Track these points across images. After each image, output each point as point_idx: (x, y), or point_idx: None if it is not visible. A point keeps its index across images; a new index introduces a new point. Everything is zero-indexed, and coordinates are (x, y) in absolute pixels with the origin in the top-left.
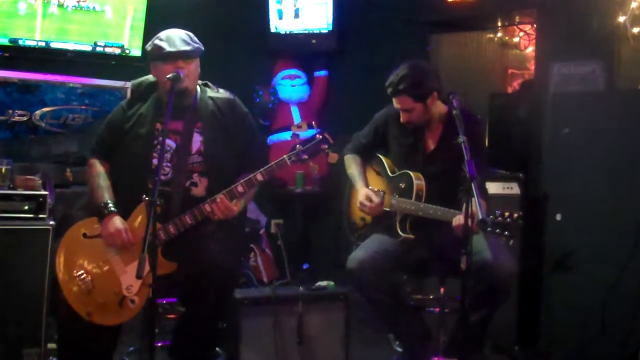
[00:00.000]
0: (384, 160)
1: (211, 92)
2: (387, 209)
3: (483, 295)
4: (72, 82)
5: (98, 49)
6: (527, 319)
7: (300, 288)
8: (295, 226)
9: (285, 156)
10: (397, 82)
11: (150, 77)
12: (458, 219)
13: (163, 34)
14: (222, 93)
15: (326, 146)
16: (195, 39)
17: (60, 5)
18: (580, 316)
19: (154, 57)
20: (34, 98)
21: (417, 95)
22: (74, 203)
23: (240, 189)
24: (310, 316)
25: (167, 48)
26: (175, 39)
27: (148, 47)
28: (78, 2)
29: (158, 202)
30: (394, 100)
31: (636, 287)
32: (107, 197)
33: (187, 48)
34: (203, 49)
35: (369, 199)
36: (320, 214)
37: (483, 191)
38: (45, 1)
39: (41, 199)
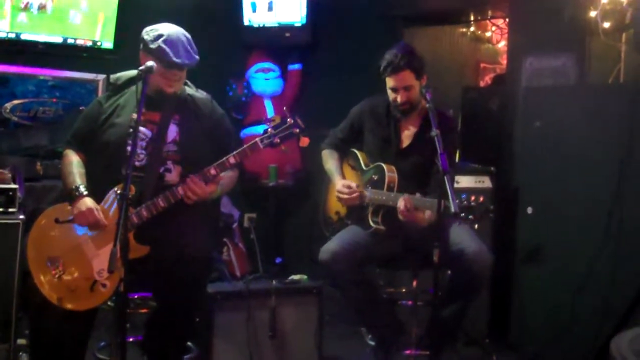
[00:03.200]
0: (358, 155)
1: (190, 90)
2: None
3: (459, 286)
4: (43, 75)
5: (69, 41)
6: (498, 312)
7: (273, 282)
8: (268, 220)
9: (257, 139)
10: (400, 59)
11: (130, 72)
12: (400, 201)
13: (166, 32)
14: (200, 93)
15: (297, 130)
16: (194, 45)
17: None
18: (551, 308)
19: (152, 54)
20: (3, 90)
21: (418, 71)
22: (45, 197)
23: (212, 171)
24: (283, 310)
25: (173, 58)
26: (179, 46)
27: (151, 43)
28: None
29: (130, 195)
30: (392, 80)
31: (606, 279)
32: (79, 182)
33: (190, 62)
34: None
35: (347, 187)
36: (294, 207)
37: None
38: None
39: (11, 193)
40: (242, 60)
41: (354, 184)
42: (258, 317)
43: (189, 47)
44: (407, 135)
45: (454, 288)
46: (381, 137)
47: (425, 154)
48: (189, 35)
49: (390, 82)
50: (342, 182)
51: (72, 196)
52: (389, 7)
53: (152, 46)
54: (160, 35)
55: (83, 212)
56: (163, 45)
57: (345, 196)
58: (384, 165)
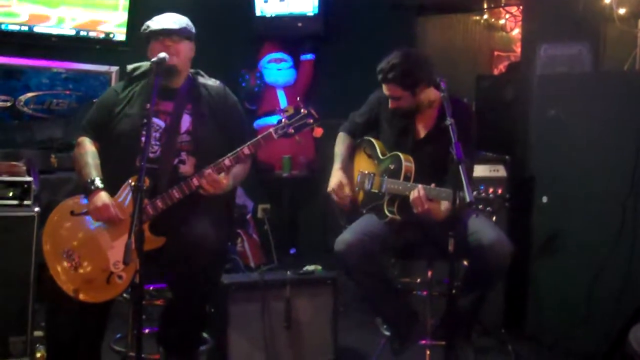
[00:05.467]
0: (375, 143)
1: (202, 80)
2: (376, 191)
3: (477, 276)
4: (56, 67)
5: (82, 33)
6: (513, 302)
7: (288, 273)
8: (282, 211)
9: (271, 129)
10: (387, 70)
11: (147, 63)
12: (413, 193)
13: (155, 17)
14: (213, 81)
15: (312, 121)
16: (188, 22)
17: None
18: (567, 298)
19: (144, 37)
20: (17, 83)
21: (405, 84)
22: (59, 189)
23: (227, 162)
24: (298, 301)
25: (153, 26)
26: (164, 19)
27: (143, 28)
28: None
29: (145, 187)
30: (384, 87)
31: (623, 269)
32: (95, 174)
33: (174, 26)
34: (193, 31)
35: (341, 189)
36: (307, 198)
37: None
38: None
39: (26, 185)
40: (255, 51)
41: (348, 188)
42: (273, 307)
43: (175, 19)
44: (424, 125)
45: (471, 278)
46: (398, 127)
47: (442, 144)
48: (183, 16)
49: (383, 87)
50: (338, 179)
51: (87, 189)
52: None
53: (142, 29)
54: (149, 20)
55: (99, 207)
56: (147, 22)
57: (336, 198)
58: (401, 155)
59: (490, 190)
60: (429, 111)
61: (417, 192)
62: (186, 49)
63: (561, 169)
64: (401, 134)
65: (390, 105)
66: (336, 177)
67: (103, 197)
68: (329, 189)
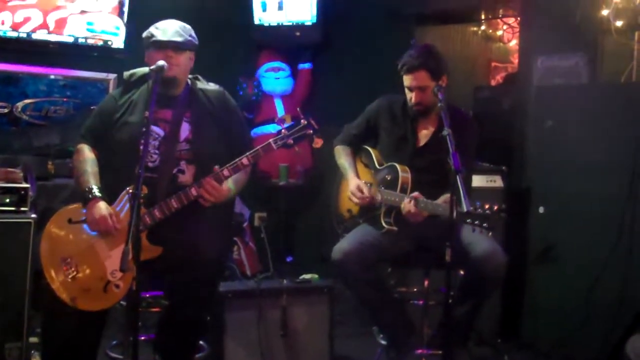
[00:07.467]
0: (372, 153)
1: (201, 85)
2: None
3: (472, 286)
4: (54, 74)
5: (80, 40)
6: (510, 311)
7: (284, 281)
8: (279, 219)
9: (271, 140)
10: (416, 57)
11: (143, 69)
12: (404, 206)
13: (160, 23)
14: (212, 86)
15: (311, 131)
16: (192, 32)
17: None
18: (563, 308)
19: (146, 44)
20: (15, 90)
21: (434, 71)
22: (56, 196)
23: (226, 172)
24: (295, 309)
25: (159, 36)
26: (169, 29)
27: (145, 35)
28: None
29: (142, 195)
30: (408, 79)
31: (619, 279)
32: (93, 183)
33: (178, 39)
34: (196, 42)
35: (360, 190)
36: (304, 206)
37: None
38: None
39: (22, 192)
40: (253, 60)
41: (366, 188)
42: (269, 316)
43: (180, 30)
44: (425, 134)
45: (466, 288)
46: (397, 136)
47: (442, 153)
48: (186, 25)
49: (406, 80)
50: (355, 183)
51: (85, 198)
52: (400, 6)
53: (145, 35)
54: (153, 26)
55: (96, 219)
56: (151, 30)
57: (356, 200)
58: (398, 166)
59: (487, 205)
60: (431, 118)
61: (410, 205)
62: (187, 59)
63: (558, 180)
64: (401, 141)
65: (413, 100)
66: (353, 182)
67: (101, 207)
68: (349, 194)
